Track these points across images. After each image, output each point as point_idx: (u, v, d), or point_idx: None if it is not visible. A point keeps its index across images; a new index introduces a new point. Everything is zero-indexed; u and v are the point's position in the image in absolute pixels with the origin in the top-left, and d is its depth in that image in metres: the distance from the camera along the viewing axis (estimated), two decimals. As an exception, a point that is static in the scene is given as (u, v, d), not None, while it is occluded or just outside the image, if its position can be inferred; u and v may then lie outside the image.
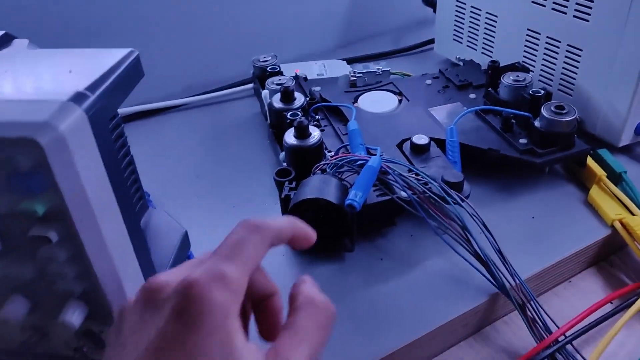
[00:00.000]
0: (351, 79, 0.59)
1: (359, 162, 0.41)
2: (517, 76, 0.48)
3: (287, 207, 0.40)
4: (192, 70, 0.65)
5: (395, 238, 0.42)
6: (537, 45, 0.52)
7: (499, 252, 0.37)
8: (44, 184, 0.25)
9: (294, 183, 0.41)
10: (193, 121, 0.60)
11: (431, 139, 0.45)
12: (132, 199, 0.35)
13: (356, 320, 0.36)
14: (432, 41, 0.67)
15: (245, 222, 0.24)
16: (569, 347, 0.35)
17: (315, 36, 0.71)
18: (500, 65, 0.50)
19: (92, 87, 0.27)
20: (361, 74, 0.59)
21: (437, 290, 0.38)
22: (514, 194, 0.45)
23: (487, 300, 0.37)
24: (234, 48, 0.66)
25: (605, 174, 0.44)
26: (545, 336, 0.35)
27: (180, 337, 0.20)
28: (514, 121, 0.46)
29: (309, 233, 0.26)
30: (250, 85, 0.62)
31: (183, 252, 0.38)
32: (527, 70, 0.50)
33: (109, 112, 0.29)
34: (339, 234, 0.40)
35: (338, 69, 0.62)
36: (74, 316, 0.29)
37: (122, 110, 0.60)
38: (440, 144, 0.46)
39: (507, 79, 0.48)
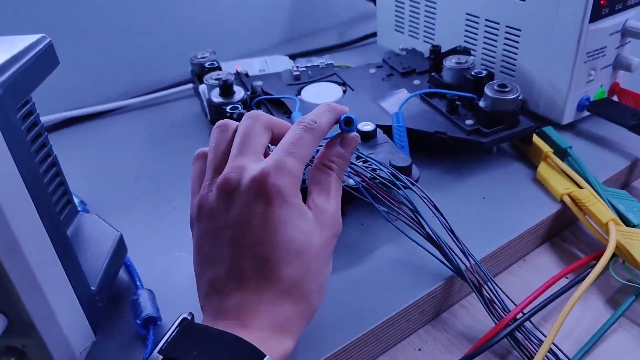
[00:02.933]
0: (294, 73, 0.57)
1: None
2: (459, 59, 0.48)
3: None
4: (130, 72, 0.62)
5: (346, 228, 0.39)
6: (477, 28, 0.52)
7: (452, 234, 0.36)
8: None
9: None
10: (133, 124, 0.57)
11: (378, 126, 0.44)
12: (55, 203, 0.32)
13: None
14: (375, 34, 0.67)
15: (301, 123, 0.30)
16: (527, 324, 0.34)
17: (258, 33, 0.70)
18: (442, 50, 0.50)
19: (-5, 73, 0.25)
20: (304, 68, 0.57)
21: (390, 278, 0.36)
22: (464, 176, 0.44)
23: (442, 284, 0.35)
24: (173, 47, 0.63)
25: (552, 150, 0.44)
26: (503, 316, 0.34)
27: (266, 212, 0.27)
28: (459, 103, 0.46)
29: (345, 108, 0.33)
30: (191, 85, 0.59)
31: (119, 257, 0.36)
32: (469, 53, 0.49)
33: (17, 98, 0.26)
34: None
35: (280, 64, 0.60)
36: (-14, 331, 0.26)
37: (58, 116, 0.56)
38: (387, 130, 0.45)
39: (450, 62, 0.48)
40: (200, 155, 0.32)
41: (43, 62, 0.28)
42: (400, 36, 0.62)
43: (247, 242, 0.27)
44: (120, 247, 0.36)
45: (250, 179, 0.27)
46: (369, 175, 0.37)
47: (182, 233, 0.37)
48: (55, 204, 0.32)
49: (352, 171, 0.37)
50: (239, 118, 0.41)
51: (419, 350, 0.35)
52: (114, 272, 0.35)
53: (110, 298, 0.36)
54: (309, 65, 0.58)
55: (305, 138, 0.29)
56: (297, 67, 0.57)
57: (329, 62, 0.58)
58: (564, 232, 0.42)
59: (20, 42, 0.28)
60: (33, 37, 0.28)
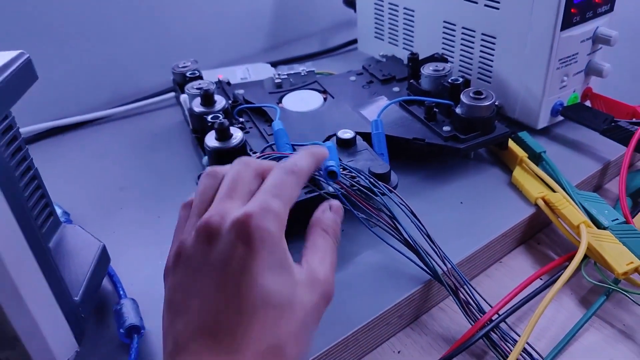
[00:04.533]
0: (276, 81, 0.58)
1: (283, 159, 0.40)
2: (437, 66, 0.49)
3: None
4: (112, 81, 0.63)
5: (327, 234, 0.41)
6: (454, 36, 0.53)
7: (429, 238, 0.37)
8: None
9: (218, 186, 0.39)
10: (115, 134, 0.57)
11: (357, 133, 0.45)
12: (37, 216, 0.32)
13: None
14: (355, 41, 0.68)
15: (284, 167, 0.29)
16: (502, 325, 0.35)
17: (240, 41, 0.70)
18: (420, 58, 0.51)
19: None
20: (286, 76, 0.58)
21: (369, 283, 0.37)
22: (442, 182, 0.45)
23: (420, 288, 0.36)
24: (154, 56, 0.64)
25: (527, 155, 0.45)
26: (479, 317, 0.35)
27: (247, 258, 0.24)
28: (436, 110, 0.47)
29: (325, 152, 0.32)
30: (173, 94, 0.60)
31: (102, 267, 0.36)
32: (446, 60, 0.51)
33: (-4, 115, 0.27)
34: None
35: (262, 72, 0.61)
36: (-29, 345, 0.26)
37: (39, 127, 0.56)
38: (367, 137, 0.46)
39: (427, 69, 0.49)
40: (187, 204, 0.30)
41: (21, 78, 0.29)
42: (380, 43, 0.63)
43: (222, 291, 0.24)
44: (103, 258, 0.36)
45: (233, 221, 0.25)
46: (347, 182, 0.38)
47: (166, 242, 0.38)
48: (36, 217, 0.32)
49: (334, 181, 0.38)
50: (219, 127, 0.41)
51: (399, 352, 0.36)
52: (97, 283, 0.36)
53: (95, 308, 0.36)
54: (290, 72, 0.59)
55: (289, 181, 0.28)
56: (279, 74, 0.58)
57: (310, 70, 0.59)
58: (539, 234, 0.43)
59: (-2, 59, 0.28)
60: (11, 54, 0.29)
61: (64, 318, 0.31)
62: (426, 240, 0.37)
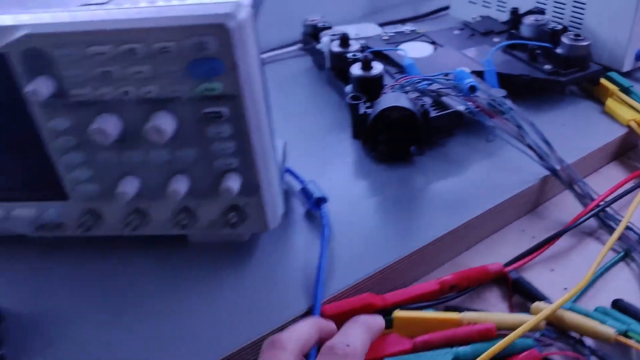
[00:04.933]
0: (383, 38, 0.67)
1: (421, 83, 0.49)
2: (537, 17, 0.57)
3: (364, 124, 0.48)
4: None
5: (454, 146, 0.50)
6: (548, -6, 0.62)
7: (546, 143, 0.45)
8: (223, 67, 0.32)
9: (368, 104, 0.49)
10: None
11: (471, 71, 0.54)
12: (268, 100, 0.40)
13: (433, 202, 0.44)
14: (446, 7, 0.77)
15: (333, 349, 0.26)
16: (608, 209, 0.43)
17: (342, 7, 0.80)
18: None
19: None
20: (393, 34, 0.67)
21: (497, 178, 0.46)
22: (543, 111, 0.54)
23: (540, 181, 0.45)
24: (271, 16, 0.73)
25: (617, 88, 0.53)
26: (589, 203, 0.43)
27: None
28: (538, 52, 0.55)
29: (381, 324, 0.31)
30: (295, 47, 0.70)
31: (284, 158, 0.45)
32: (543, 13, 0.59)
33: (255, 19, 0.36)
34: (409, 142, 0.48)
35: (371, 30, 0.70)
36: (234, 184, 0.36)
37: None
38: (478, 75, 0.54)
39: (528, 19, 0.57)
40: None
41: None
42: (473, 7, 0.72)
43: None
44: (285, 151, 0.46)
45: None
46: (478, 101, 0.47)
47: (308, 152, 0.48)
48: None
49: (464, 98, 0.47)
50: (364, 59, 0.51)
51: (523, 231, 0.44)
52: (283, 170, 0.45)
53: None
54: (395, 31, 0.68)
55: None
56: (386, 32, 0.68)
57: (412, 29, 0.68)
58: (630, 152, 0.52)
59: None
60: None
61: (279, 182, 0.40)
62: (545, 144, 0.45)
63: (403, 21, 0.76)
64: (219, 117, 0.34)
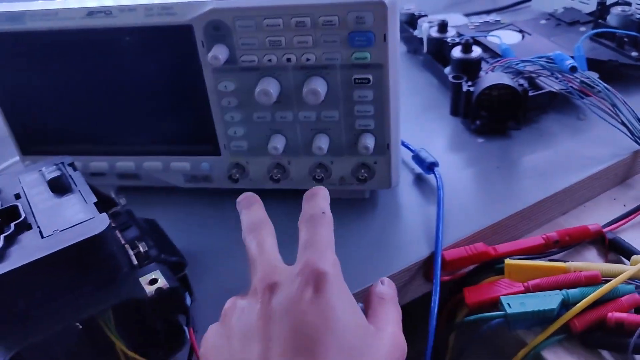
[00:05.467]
0: (470, 27, 0.72)
1: (519, 64, 0.54)
2: (624, 8, 0.61)
3: (467, 101, 0.53)
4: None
5: (548, 123, 0.55)
6: (633, -13, 0.65)
7: (638, 120, 0.50)
8: (375, 39, 0.38)
9: (470, 82, 0.54)
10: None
11: (561, 57, 0.58)
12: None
13: (532, 170, 0.49)
14: (527, 0, 0.81)
15: (311, 220, 0.30)
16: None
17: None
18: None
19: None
20: (478, 23, 0.72)
21: (591, 151, 0.50)
22: (632, 95, 0.58)
23: (631, 155, 0.49)
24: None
25: (703, 74, 0.57)
26: (679, 176, 0.47)
27: (314, 295, 0.26)
28: (626, 40, 0.59)
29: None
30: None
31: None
32: (630, 4, 0.63)
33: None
34: (509, 117, 0.53)
35: (457, 20, 0.75)
36: (370, 142, 0.42)
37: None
38: (568, 60, 0.59)
39: (616, 10, 0.61)
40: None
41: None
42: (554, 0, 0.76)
43: (289, 330, 0.25)
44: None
45: (300, 273, 0.27)
46: (575, 81, 0.51)
47: (412, 128, 0.53)
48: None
49: (562, 79, 0.52)
50: (465, 42, 0.56)
51: (615, 199, 0.49)
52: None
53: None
54: (481, 21, 0.73)
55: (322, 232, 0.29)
56: (472, 22, 0.72)
57: (497, 19, 0.73)
58: None
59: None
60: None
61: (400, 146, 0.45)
62: (637, 121, 0.49)
63: (487, 12, 0.80)
64: (367, 82, 0.40)
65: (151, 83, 0.43)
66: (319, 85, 0.39)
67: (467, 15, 0.76)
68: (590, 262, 0.43)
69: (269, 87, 0.40)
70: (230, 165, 0.46)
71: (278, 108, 0.42)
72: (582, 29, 0.65)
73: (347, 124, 0.42)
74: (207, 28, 0.39)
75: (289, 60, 0.40)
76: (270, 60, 0.40)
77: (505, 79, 0.51)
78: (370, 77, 0.40)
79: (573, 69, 0.50)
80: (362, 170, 0.44)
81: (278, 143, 0.43)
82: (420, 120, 0.58)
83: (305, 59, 0.39)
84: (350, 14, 0.37)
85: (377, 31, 0.38)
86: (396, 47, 0.39)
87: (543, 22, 0.68)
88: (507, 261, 0.41)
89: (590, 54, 0.59)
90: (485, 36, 0.64)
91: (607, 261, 0.43)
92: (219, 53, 0.39)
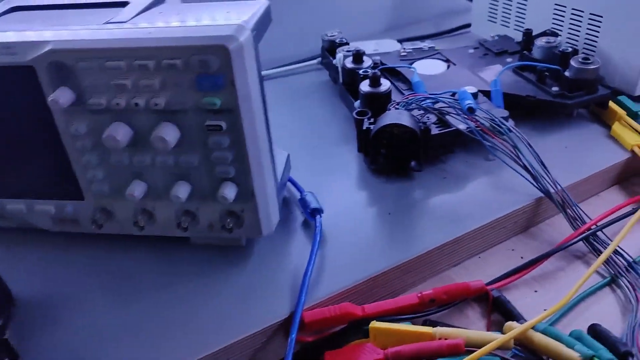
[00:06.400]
0: (402, 53, 0.69)
1: (425, 101, 0.51)
2: (549, 39, 0.58)
3: (367, 139, 0.50)
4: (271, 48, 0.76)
5: (453, 163, 0.52)
6: (564, 16, 0.62)
7: (543, 165, 0.46)
8: (224, 84, 0.35)
9: (372, 119, 0.51)
10: (271, 88, 0.70)
11: (478, 90, 0.55)
12: (267, 115, 0.43)
13: (427, 216, 0.45)
14: (468, 25, 0.78)
15: None
16: (599, 234, 0.44)
17: (366, 21, 0.82)
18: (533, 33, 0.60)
19: (247, 21, 0.37)
20: (410, 50, 0.69)
21: (491, 196, 0.47)
22: (548, 133, 0.55)
23: (533, 202, 0.46)
24: (295, 30, 0.76)
25: (625, 112, 0.53)
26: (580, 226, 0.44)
27: None
28: (547, 74, 0.56)
29: None
30: (315, 61, 0.72)
31: (287, 169, 0.48)
32: (556, 35, 0.60)
33: (257, 41, 0.39)
34: (410, 157, 0.50)
35: (390, 46, 0.72)
36: (230, 192, 0.39)
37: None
38: (486, 95, 0.56)
39: (540, 41, 0.58)
40: None
41: (266, 19, 0.41)
42: (492, 25, 0.72)
43: None
44: (288, 162, 0.48)
45: None
46: (480, 121, 0.48)
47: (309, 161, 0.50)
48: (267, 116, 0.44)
49: (466, 118, 0.49)
50: (373, 76, 0.53)
51: (512, 250, 0.45)
52: (286, 179, 0.48)
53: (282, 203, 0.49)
54: (414, 47, 0.70)
55: None
56: (405, 48, 0.69)
57: (430, 46, 0.69)
58: (633, 178, 0.52)
59: (252, 5, 0.41)
60: (259, 2, 0.41)
61: (275, 192, 0.43)
62: (540, 166, 0.46)
63: (423, 38, 0.77)
64: (219, 129, 0.37)
65: (4, 125, 0.41)
66: (167, 132, 0.37)
67: (402, 41, 0.73)
68: (472, 322, 0.40)
69: (116, 133, 0.37)
70: (95, 210, 0.43)
71: (135, 151, 0.39)
72: (509, 59, 0.62)
73: (207, 170, 0.39)
74: (49, 69, 0.37)
75: (137, 104, 0.37)
76: (118, 104, 0.37)
77: (404, 118, 0.48)
78: (223, 123, 0.37)
79: (470, 110, 0.47)
80: (228, 219, 0.41)
81: (135, 189, 0.40)
82: (330, 154, 0.55)
83: (153, 103, 0.37)
84: (194, 58, 0.35)
85: (226, 75, 0.35)
86: (251, 91, 0.36)
87: (471, 51, 0.65)
88: (372, 324, 0.37)
89: (510, 88, 0.56)
90: (407, 67, 0.61)
91: (489, 322, 0.40)
92: (59, 97, 0.36)
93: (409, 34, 0.79)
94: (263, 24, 0.40)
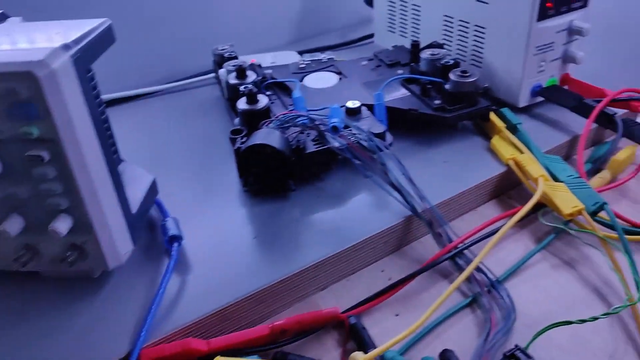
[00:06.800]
0: (300, 65, 0.67)
1: (300, 119, 0.50)
2: (433, 51, 0.57)
3: (240, 157, 0.48)
4: (164, 62, 0.74)
5: (331, 180, 0.50)
6: (452, 27, 0.61)
7: (411, 182, 0.45)
8: (39, 112, 0.33)
9: (245, 138, 0.49)
10: (164, 105, 0.68)
11: (363, 104, 0.54)
12: (108, 143, 0.42)
13: (297, 239, 0.44)
14: (371, 35, 0.77)
15: None
16: (466, 252, 0.43)
17: (270, 33, 0.80)
18: (421, 45, 0.60)
19: (75, 42, 0.35)
20: (309, 61, 0.68)
21: (363, 215, 0.46)
22: (430, 146, 0.54)
23: (402, 221, 0.45)
24: (197, 43, 0.74)
25: (505, 125, 0.53)
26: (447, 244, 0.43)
27: None
28: (430, 87, 0.55)
29: None
30: (212, 75, 0.70)
31: (152, 194, 0.46)
32: (441, 47, 0.59)
33: (87, 63, 0.37)
34: (283, 176, 0.48)
35: (289, 58, 0.71)
36: (62, 225, 0.36)
37: (108, 96, 0.67)
38: (371, 108, 0.54)
39: (425, 54, 0.57)
40: None
41: (105, 38, 0.39)
42: (392, 36, 0.72)
43: None
44: (153, 187, 0.46)
45: None
46: (351, 139, 0.47)
47: (198, 180, 0.48)
48: (110, 149, 0.42)
49: (339, 136, 0.47)
50: (248, 92, 0.51)
51: (382, 271, 0.44)
52: (148, 205, 0.46)
53: (147, 225, 0.46)
54: (313, 59, 0.68)
55: None
56: (303, 60, 0.68)
57: (330, 57, 0.68)
58: (511, 191, 0.51)
59: (88, 23, 0.38)
60: (99, 20, 0.39)
61: (125, 222, 0.40)
62: (410, 183, 0.45)
63: (326, 49, 0.76)
64: (41, 159, 0.34)
65: None
66: (-17, 164, 0.34)
67: (302, 52, 0.72)
68: (329, 351, 0.39)
69: None
70: None
71: (-40, 185, 0.37)
72: (400, 71, 0.61)
73: (38, 202, 0.37)
74: None
75: (-51, 134, 0.34)
76: None
77: (271, 137, 0.46)
78: (45, 153, 0.34)
79: (334, 129, 0.45)
80: (69, 253, 0.38)
81: (-37, 224, 0.37)
82: (213, 174, 0.53)
83: (-33, 133, 0.34)
84: (1, 85, 0.32)
85: (39, 104, 0.33)
86: (74, 119, 0.34)
87: (364, 62, 0.64)
88: (217, 359, 0.36)
89: (395, 101, 0.55)
90: (294, 80, 0.59)
91: (345, 351, 0.38)
92: None
93: (315, 45, 0.78)
94: (98, 44, 0.38)
